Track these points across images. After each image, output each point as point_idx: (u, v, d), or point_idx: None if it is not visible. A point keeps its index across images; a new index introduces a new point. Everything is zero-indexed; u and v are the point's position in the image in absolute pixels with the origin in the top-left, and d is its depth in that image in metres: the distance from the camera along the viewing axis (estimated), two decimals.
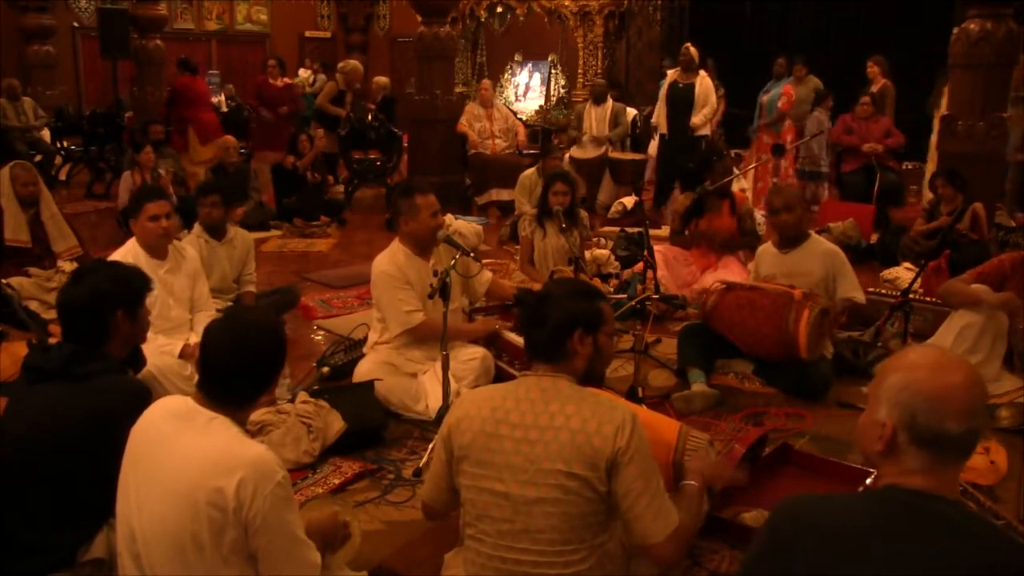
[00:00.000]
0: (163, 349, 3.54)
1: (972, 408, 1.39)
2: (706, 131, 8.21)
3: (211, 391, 1.86)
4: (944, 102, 7.29)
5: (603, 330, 2.10)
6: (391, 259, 3.70)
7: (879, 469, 1.47)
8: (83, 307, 2.23)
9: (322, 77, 12.90)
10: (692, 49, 8.17)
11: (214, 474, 1.73)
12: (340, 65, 9.71)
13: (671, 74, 8.32)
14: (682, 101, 8.10)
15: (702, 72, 8.18)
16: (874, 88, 8.14)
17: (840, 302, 3.97)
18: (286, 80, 9.74)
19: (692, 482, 2.24)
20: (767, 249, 4.20)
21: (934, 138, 7.82)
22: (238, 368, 1.85)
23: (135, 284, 2.35)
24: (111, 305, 2.25)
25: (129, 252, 3.62)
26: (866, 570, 1.34)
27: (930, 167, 7.72)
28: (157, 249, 3.73)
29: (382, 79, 10.68)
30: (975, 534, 1.36)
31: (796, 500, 1.48)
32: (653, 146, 8.75)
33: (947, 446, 1.39)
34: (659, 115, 8.33)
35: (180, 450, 1.79)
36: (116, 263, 2.46)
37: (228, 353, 1.85)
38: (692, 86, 8.08)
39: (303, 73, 13.50)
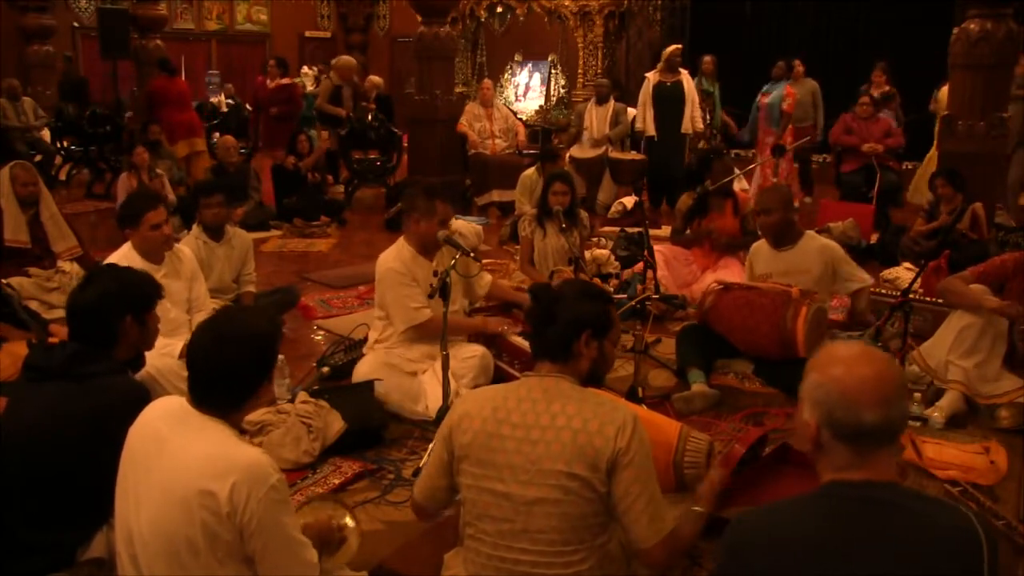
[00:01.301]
0: (162, 350, 3.53)
1: (885, 398, 1.43)
2: (699, 128, 8.28)
3: (196, 395, 1.86)
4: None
5: (610, 336, 2.11)
6: (398, 256, 3.70)
7: (816, 467, 1.52)
8: (91, 311, 2.23)
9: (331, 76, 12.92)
10: (679, 49, 8.34)
11: (207, 478, 1.73)
12: (333, 61, 9.72)
13: (653, 76, 8.33)
14: (671, 100, 8.17)
15: (684, 71, 8.28)
16: (876, 93, 8.14)
17: (856, 302, 3.93)
18: (281, 81, 9.70)
19: (700, 509, 2.21)
20: (761, 247, 4.20)
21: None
22: (219, 373, 1.83)
23: (145, 290, 2.35)
24: (120, 310, 2.25)
25: (125, 257, 3.58)
26: (823, 569, 1.38)
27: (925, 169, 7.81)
28: (154, 254, 3.72)
29: (375, 78, 10.68)
30: (917, 511, 1.41)
31: (745, 516, 1.53)
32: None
33: (868, 437, 1.44)
34: (646, 119, 8.28)
35: (175, 452, 1.79)
36: (128, 268, 2.45)
37: (208, 359, 1.83)
38: (680, 84, 8.19)
39: (305, 71, 13.49)
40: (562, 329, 2.04)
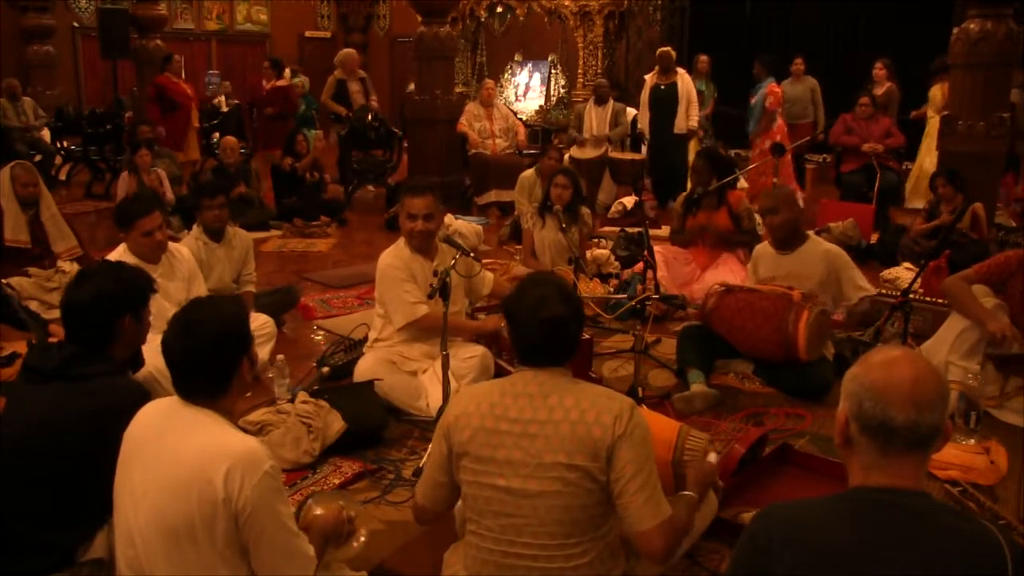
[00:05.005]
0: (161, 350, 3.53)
1: (917, 401, 1.41)
2: (693, 127, 8.49)
3: (180, 388, 1.87)
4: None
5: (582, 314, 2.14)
6: (396, 254, 3.73)
7: (847, 470, 1.52)
8: (88, 309, 2.22)
9: (304, 78, 12.89)
10: (672, 52, 8.55)
11: (203, 467, 1.74)
12: (336, 58, 9.75)
13: (650, 78, 8.60)
14: (665, 102, 8.40)
15: (681, 71, 8.47)
16: (879, 91, 8.13)
17: (856, 306, 3.93)
18: (277, 83, 9.70)
19: (690, 493, 2.22)
20: (765, 250, 4.19)
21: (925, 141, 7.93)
22: (196, 363, 1.85)
23: (140, 286, 2.34)
24: (117, 308, 2.24)
25: (120, 258, 3.55)
26: (847, 571, 1.36)
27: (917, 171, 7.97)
28: (149, 256, 3.71)
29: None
30: (943, 522, 1.40)
31: (771, 510, 1.52)
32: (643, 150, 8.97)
33: (892, 436, 1.42)
34: (643, 120, 8.57)
35: (171, 446, 1.80)
36: (121, 265, 2.44)
37: (182, 351, 1.85)
38: (674, 86, 8.40)
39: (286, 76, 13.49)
40: (566, 344, 2.06)
